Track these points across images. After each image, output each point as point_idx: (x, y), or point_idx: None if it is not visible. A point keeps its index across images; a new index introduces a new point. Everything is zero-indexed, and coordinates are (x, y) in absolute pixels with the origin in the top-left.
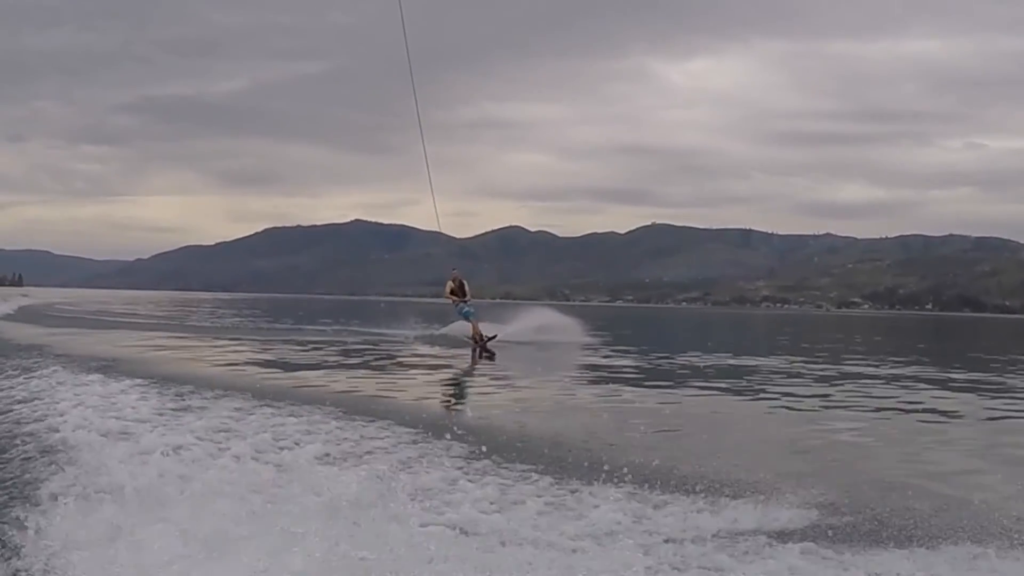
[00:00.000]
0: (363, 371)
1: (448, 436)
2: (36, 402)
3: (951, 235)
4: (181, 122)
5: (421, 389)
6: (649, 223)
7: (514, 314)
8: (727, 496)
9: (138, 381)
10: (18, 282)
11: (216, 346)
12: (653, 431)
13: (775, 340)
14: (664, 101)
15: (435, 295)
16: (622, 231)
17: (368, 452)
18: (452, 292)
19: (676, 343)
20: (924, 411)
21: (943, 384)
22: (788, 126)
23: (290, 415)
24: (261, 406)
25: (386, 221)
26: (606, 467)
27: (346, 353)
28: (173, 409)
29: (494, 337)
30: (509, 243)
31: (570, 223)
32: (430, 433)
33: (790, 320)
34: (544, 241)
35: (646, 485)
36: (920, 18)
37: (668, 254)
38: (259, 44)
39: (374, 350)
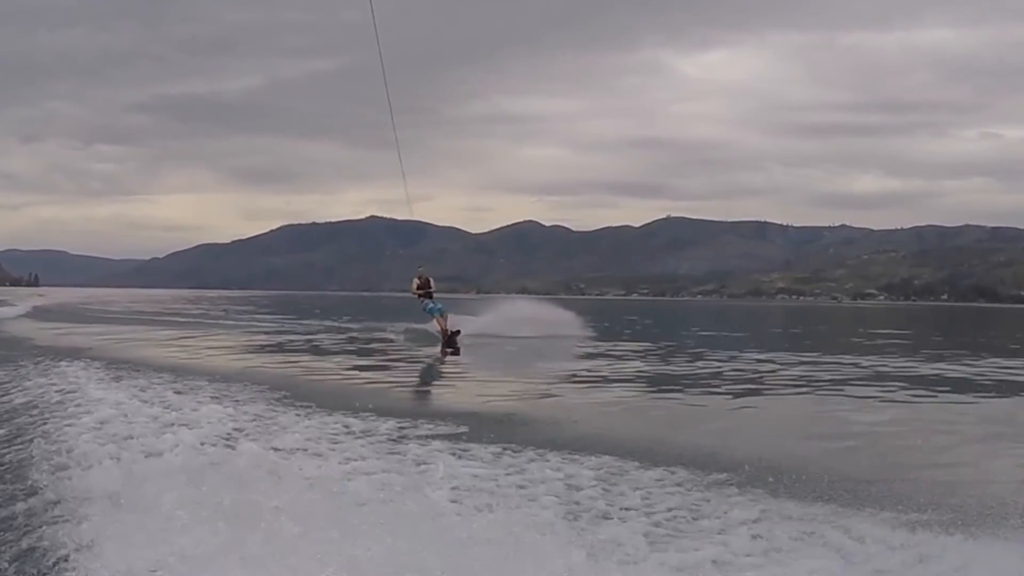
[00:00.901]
0: (280, 355)
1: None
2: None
3: (966, 225)
4: (195, 120)
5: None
6: (664, 216)
7: (496, 306)
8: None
9: (96, 363)
10: (34, 282)
11: (180, 336)
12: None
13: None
14: (678, 94)
15: (450, 290)
16: (637, 224)
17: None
18: (419, 288)
19: (666, 334)
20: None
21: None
22: (803, 118)
23: (189, 380)
24: (161, 373)
25: (401, 217)
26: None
27: (281, 343)
28: (108, 379)
29: (458, 332)
30: (524, 238)
31: (585, 217)
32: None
33: (797, 312)
34: (559, 235)
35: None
36: (933, 7)
37: (683, 247)
38: (272, 42)
39: (310, 339)
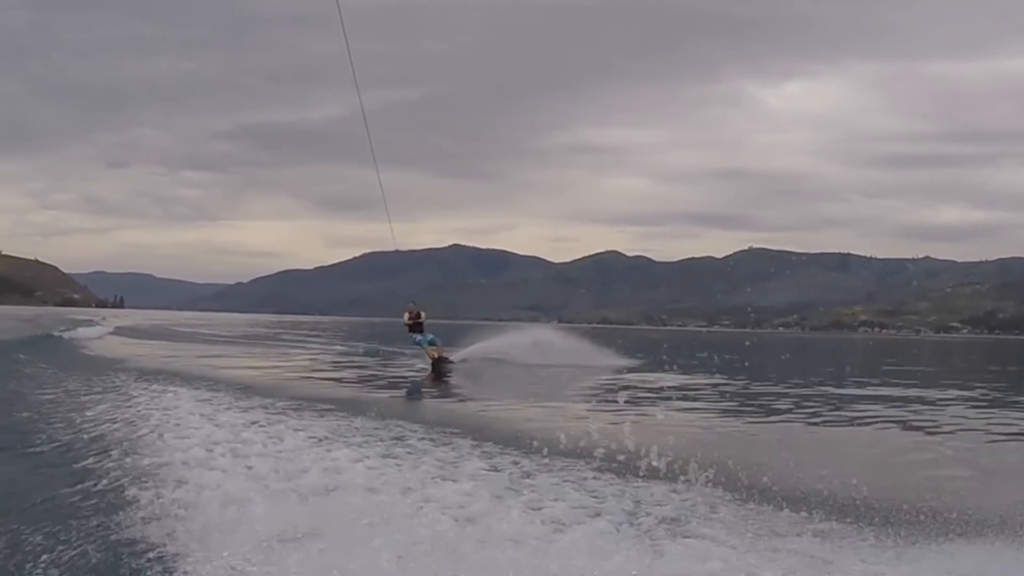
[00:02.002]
0: (287, 367)
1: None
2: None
3: None
4: (279, 148)
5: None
6: (746, 247)
7: (522, 333)
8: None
9: (128, 373)
10: (120, 304)
11: (221, 354)
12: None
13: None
14: (760, 124)
15: (531, 319)
16: (719, 256)
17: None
18: (409, 320)
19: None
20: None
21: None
22: (885, 148)
23: (205, 388)
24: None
25: (484, 246)
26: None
27: (289, 362)
28: (156, 386)
29: (446, 359)
30: (606, 268)
31: (667, 248)
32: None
33: (875, 346)
34: (641, 266)
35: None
36: (1016, 36)
37: (765, 279)
38: (355, 72)
39: (318, 358)
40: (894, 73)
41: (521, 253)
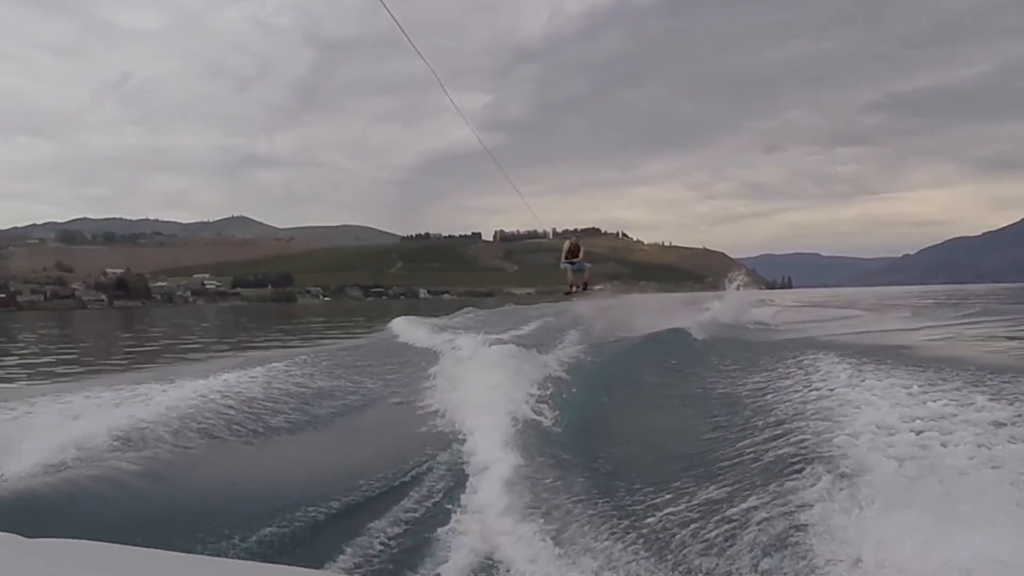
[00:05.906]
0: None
1: None
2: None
3: None
4: (931, 114)
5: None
6: None
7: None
8: None
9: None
10: (787, 284)
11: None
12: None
13: None
14: None
15: None
16: None
17: None
18: (568, 252)
19: None
20: None
21: None
22: None
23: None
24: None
25: None
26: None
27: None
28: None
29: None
30: None
31: None
32: None
33: None
34: None
35: None
36: None
37: None
38: (996, 22)
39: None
40: None
41: None
